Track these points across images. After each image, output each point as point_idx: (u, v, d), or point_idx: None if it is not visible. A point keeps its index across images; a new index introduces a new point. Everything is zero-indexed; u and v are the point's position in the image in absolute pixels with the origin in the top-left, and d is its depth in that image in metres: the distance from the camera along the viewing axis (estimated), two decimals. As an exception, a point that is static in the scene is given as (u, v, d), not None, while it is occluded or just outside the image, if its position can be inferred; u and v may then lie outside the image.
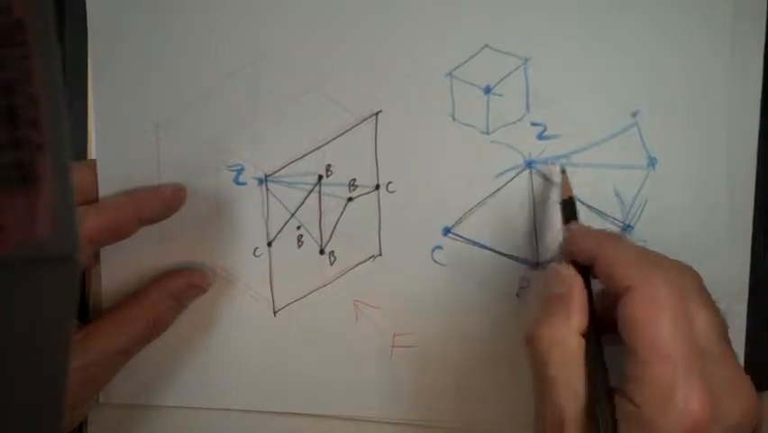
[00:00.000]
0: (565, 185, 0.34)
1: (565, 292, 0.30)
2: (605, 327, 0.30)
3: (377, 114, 0.35)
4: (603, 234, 0.31)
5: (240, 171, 0.35)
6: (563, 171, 0.35)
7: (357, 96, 0.35)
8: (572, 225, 0.33)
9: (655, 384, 0.26)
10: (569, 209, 0.34)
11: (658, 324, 0.27)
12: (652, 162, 0.35)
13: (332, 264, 0.36)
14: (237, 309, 0.36)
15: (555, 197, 0.35)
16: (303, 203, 0.36)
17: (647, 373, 0.26)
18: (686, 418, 0.26)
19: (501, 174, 0.35)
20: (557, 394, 0.28)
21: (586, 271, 0.30)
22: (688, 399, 0.26)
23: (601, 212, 0.36)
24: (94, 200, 0.34)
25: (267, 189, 0.36)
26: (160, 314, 0.34)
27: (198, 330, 0.36)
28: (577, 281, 0.30)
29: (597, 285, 0.31)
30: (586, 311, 0.29)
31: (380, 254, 0.36)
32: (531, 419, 0.30)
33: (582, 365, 0.29)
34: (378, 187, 0.36)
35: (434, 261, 0.36)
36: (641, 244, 0.35)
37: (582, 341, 0.29)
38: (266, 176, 0.35)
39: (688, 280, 0.28)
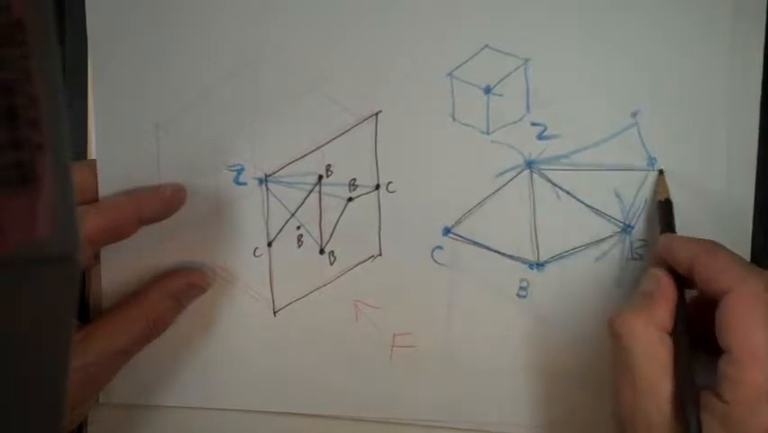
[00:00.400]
0: (663, 186, 0.35)
1: (653, 289, 0.31)
2: (698, 335, 0.30)
3: (377, 114, 0.35)
4: (701, 242, 0.31)
5: (240, 171, 0.35)
6: (661, 172, 0.35)
7: (357, 96, 0.35)
8: (667, 236, 0.33)
9: (747, 385, 0.27)
10: (665, 211, 0.34)
11: (755, 326, 0.27)
12: (652, 162, 0.35)
13: (332, 264, 0.36)
14: (237, 309, 0.36)
15: (656, 196, 0.35)
16: (303, 203, 0.36)
17: (740, 374, 0.27)
18: None
19: (501, 174, 0.35)
20: (639, 385, 0.29)
21: (680, 277, 0.31)
22: None
23: (601, 212, 0.36)
24: (94, 200, 0.34)
25: (267, 189, 0.36)
26: (160, 314, 0.34)
27: (198, 330, 0.36)
28: (665, 281, 0.31)
29: (690, 294, 0.31)
30: (671, 310, 0.30)
31: (380, 254, 0.36)
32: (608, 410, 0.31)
33: (665, 361, 0.29)
34: (378, 187, 0.36)
35: (434, 261, 0.36)
36: (640, 243, 0.36)
37: (665, 337, 0.30)
38: (266, 176, 0.35)
39: None
